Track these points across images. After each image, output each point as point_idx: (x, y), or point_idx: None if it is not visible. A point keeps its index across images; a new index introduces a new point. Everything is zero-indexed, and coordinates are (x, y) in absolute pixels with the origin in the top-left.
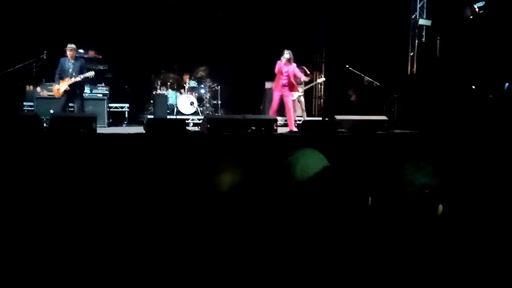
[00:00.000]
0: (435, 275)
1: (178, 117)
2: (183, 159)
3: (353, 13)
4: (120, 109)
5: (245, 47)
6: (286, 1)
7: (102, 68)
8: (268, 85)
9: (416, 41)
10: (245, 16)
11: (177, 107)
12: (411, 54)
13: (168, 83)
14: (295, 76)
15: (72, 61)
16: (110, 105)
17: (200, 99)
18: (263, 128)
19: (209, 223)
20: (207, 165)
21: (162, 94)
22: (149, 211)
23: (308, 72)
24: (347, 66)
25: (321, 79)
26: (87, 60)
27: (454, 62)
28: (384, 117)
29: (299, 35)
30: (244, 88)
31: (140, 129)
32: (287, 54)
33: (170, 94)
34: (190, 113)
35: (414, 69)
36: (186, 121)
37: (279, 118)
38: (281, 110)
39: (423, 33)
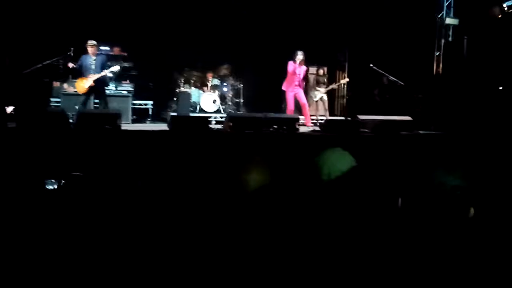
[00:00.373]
0: (464, 277)
1: (201, 114)
2: (208, 156)
3: (377, 11)
4: (144, 106)
5: (268, 45)
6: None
7: (127, 66)
8: None
9: (443, 41)
10: (268, 14)
11: (199, 105)
12: (437, 53)
13: (191, 81)
14: (304, 77)
15: (94, 57)
16: (134, 102)
17: (222, 97)
18: (285, 127)
19: (235, 221)
20: (236, 163)
21: (185, 91)
22: (174, 207)
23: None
24: (371, 65)
25: (345, 80)
26: (112, 57)
27: (482, 62)
28: (408, 118)
29: (322, 33)
30: (266, 86)
31: (163, 126)
32: (301, 55)
33: (193, 91)
34: (212, 111)
35: (440, 69)
36: (209, 119)
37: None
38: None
39: (450, 32)
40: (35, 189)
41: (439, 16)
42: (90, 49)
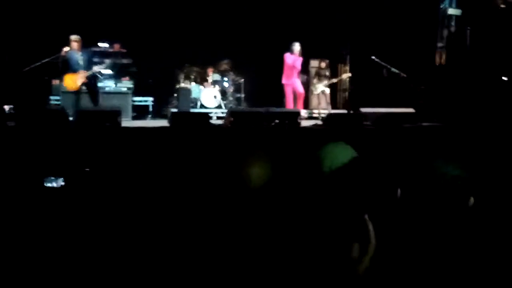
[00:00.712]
0: (465, 268)
1: (202, 110)
2: (209, 152)
3: (379, 3)
4: (144, 103)
5: (269, 40)
6: None
7: (126, 62)
8: None
9: (445, 31)
10: (268, 8)
11: (200, 101)
12: (440, 44)
13: (192, 77)
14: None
15: (80, 52)
16: (134, 99)
17: (223, 93)
18: (286, 121)
19: (238, 217)
20: (237, 158)
21: (185, 87)
22: (174, 205)
23: None
24: (373, 57)
25: (347, 75)
26: (112, 54)
27: (485, 53)
28: (411, 110)
29: (324, 26)
30: (267, 81)
31: (164, 123)
32: (299, 46)
33: (194, 87)
34: (213, 106)
35: (443, 60)
36: (210, 115)
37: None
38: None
39: (453, 23)
40: (35, 188)
41: (441, 6)
42: (75, 44)
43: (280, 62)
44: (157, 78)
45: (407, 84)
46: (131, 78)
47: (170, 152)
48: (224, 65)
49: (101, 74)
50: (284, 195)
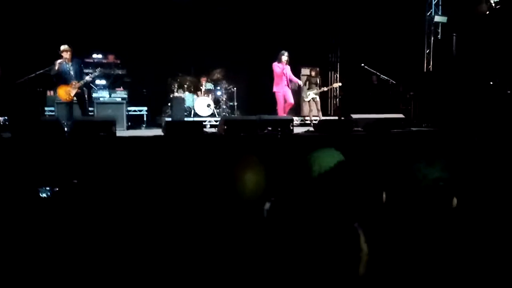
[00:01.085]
0: (450, 269)
1: (195, 119)
2: (203, 160)
3: (367, 11)
4: (139, 112)
5: (260, 48)
6: (300, 1)
7: (120, 73)
8: None
9: (432, 38)
10: (259, 17)
11: (194, 109)
12: (427, 51)
13: (185, 86)
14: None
15: (70, 63)
16: (129, 108)
17: (216, 101)
18: (279, 129)
19: (231, 224)
20: (231, 165)
21: (179, 96)
22: (169, 213)
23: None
24: (363, 64)
25: (337, 84)
26: (106, 65)
27: (471, 58)
28: (400, 115)
29: (314, 35)
30: (259, 89)
31: (158, 132)
32: (285, 55)
33: (187, 96)
34: (207, 115)
35: (430, 66)
36: (203, 123)
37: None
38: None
39: (439, 30)
40: (31, 199)
41: (428, 14)
42: (66, 55)
43: (272, 70)
44: (151, 88)
45: (396, 90)
46: (125, 88)
47: (164, 161)
48: (217, 74)
49: (94, 84)
50: (276, 201)
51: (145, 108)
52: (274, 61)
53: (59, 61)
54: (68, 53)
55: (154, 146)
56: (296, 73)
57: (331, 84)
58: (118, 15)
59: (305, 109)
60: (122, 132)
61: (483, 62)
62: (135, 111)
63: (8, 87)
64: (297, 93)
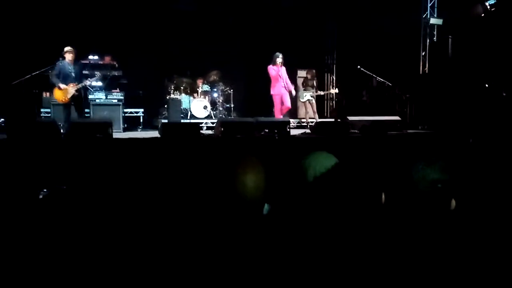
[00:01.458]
0: (448, 271)
1: (192, 121)
2: (200, 162)
3: (363, 14)
4: (135, 114)
5: (256, 50)
6: (296, 4)
7: (116, 74)
8: None
9: (428, 41)
10: (255, 20)
11: (190, 111)
12: (423, 53)
13: (182, 88)
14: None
15: (72, 65)
16: (125, 110)
17: (213, 103)
18: (276, 131)
19: (229, 226)
20: (229, 166)
21: (175, 98)
22: (165, 215)
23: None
24: (359, 67)
25: (334, 90)
26: (102, 66)
27: (466, 60)
28: (397, 118)
29: (310, 37)
30: (256, 91)
31: (155, 134)
32: (280, 57)
33: (184, 98)
34: (203, 116)
35: (426, 68)
36: (200, 125)
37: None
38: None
39: (435, 32)
40: (27, 200)
41: (423, 16)
42: (69, 56)
43: (267, 72)
44: (148, 90)
45: (393, 92)
46: (122, 90)
47: (161, 163)
48: (214, 76)
49: (92, 87)
50: (274, 203)
51: (142, 110)
52: (269, 64)
53: (62, 60)
54: (71, 54)
55: (150, 148)
56: (293, 75)
57: (328, 88)
58: (115, 16)
59: (301, 111)
60: (118, 133)
61: (478, 65)
62: (131, 112)
63: (3, 88)
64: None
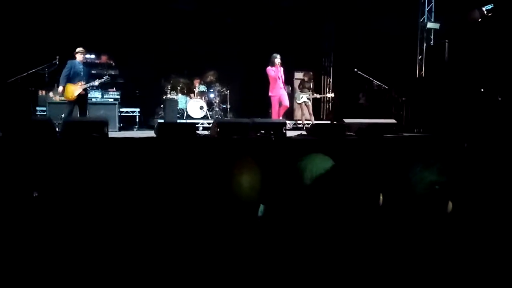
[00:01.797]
0: (445, 273)
1: (188, 121)
2: (196, 163)
3: (361, 17)
4: (131, 114)
5: (253, 51)
6: (294, 6)
7: (113, 73)
8: None
9: (425, 44)
10: (253, 21)
11: (187, 111)
12: (420, 57)
13: (178, 88)
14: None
15: (82, 65)
16: (121, 109)
17: (209, 103)
18: (272, 132)
19: (225, 227)
20: (225, 166)
21: (172, 98)
22: (160, 215)
23: None
24: (356, 69)
25: (330, 95)
26: (99, 65)
27: (463, 65)
28: (393, 121)
29: (307, 39)
30: (253, 92)
31: (150, 133)
32: (278, 58)
33: (180, 98)
34: (199, 117)
35: (423, 72)
36: (196, 125)
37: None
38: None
39: (431, 36)
40: (21, 199)
41: (421, 20)
42: (80, 56)
43: (265, 74)
44: (144, 89)
45: (389, 95)
46: (118, 89)
47: (157, 163)
48: (210, 77)
49: (96, 87)
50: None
51: (138, 109)
52: (267, 66)
53: (74, 60)
54: (82, 55)
55: (146, 148)
56: (290, 77)
57: (324, 90)
58: (112, 15)
59: (298, 112)
60: (114, 133)
61: (474, 69)
62: (127, 112)
63: None
64: (290, 97)
